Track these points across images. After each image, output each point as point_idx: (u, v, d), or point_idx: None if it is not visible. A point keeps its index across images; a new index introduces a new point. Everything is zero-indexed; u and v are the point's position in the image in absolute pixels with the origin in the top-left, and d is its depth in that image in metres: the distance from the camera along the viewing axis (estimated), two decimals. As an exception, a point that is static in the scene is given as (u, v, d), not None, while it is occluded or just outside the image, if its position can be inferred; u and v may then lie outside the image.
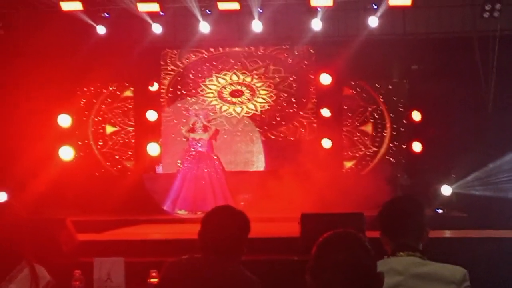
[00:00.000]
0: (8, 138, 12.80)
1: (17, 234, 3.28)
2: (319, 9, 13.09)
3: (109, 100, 14.69)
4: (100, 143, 14.65)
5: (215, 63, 14.72)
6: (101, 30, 13.44)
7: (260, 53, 14.73)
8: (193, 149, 13.28)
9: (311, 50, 14.55)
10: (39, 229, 6.74)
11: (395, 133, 14.25)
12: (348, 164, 14.36)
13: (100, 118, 14.70)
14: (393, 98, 14.27)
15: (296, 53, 14.63)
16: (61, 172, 13.57)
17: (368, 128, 14.36)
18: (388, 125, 14.29)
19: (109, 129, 14.70)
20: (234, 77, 14.68)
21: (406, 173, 13.89)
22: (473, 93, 13.12)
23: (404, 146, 14.11)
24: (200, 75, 14.70)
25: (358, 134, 14.37)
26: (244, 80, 14.65)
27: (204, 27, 13.42)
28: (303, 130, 14.45)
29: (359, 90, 14.39)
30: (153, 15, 13.36)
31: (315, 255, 2.11)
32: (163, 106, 14.70)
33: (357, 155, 14.35)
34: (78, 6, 12.81)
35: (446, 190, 12.50)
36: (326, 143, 14.05)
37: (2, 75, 13.04)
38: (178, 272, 3.30)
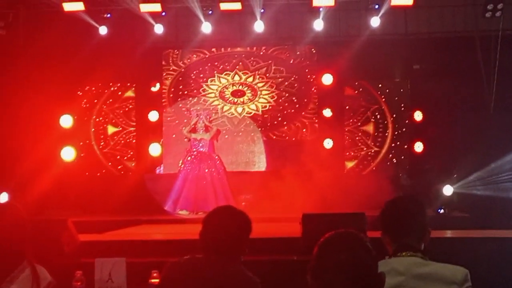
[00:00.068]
0: (9, 138, 12.80)
1: (18, 235, 3.28)
2: (320, 9, 13.09)
3: (111, 100, 14.70)
4: (102, 144, 14.66)
5: (216, 63, 14.72)
6: (103, 30, 13.45)
7: (262, 53, 14.73)
8: (194, 149, 13.29)
9: (313, 50, 14.56)
10: (41, 230, 6.74)
11: (396, 133, 14.24)
12: (350, 164, 14.35)
13: (101, 119, 14.71)
14: (394, 98, 14.27)
15: (298, 53, 14.63)
16: (63, 173, 13.58)
17: (370, 128, 14.36)
18: (389, 125, 14.28)
19: (111, 129, 14.70)
20: (236, 77, 14.68)
21: (407, 173, 13.89)
22: (475, 93, 13.11)
23: (405, 146, 14.10)
24: (201, 75, 14.71)
25: (359, 134, 14.36)
26: (246, 80, 14.65)
27: (206, 27, 13.42)
28: (304, 130, 14.44)
29: (360, 90, 14.39)
30: (155, 15, 13.37)
31: (317, 255, 2.11)
32: (164, 106, 14.70)
33: (359, 155, 14.35)
34: (80, 7, 12.81)
35: (447, 190, 12.49)
36: (328, 143, 14.05)
37: (4, 76, 13.04)
38: (179, 273, 3.30)
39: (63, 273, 4.45)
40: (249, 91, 14.63)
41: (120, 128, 14.69)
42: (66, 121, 14.07)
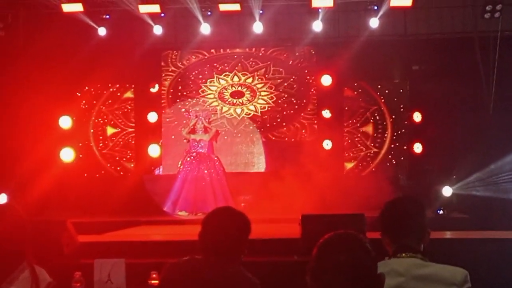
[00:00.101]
0: (9, 139, 12.80)
1: (17, 236, 3.28)
2: (320, 10, 13.09)
3: (110, 101, 14.69)
4: (101, 145, 14.65)
5: (216, 64, 14.72)
6: (102, 31, 13.46)
7: (260, 54, 14.73)
8: (193, 150, 13.28)
9: (312, 51, 14.55)
10: (40, 231, 6.72)
11: (396, 134, 14.24)
12: (349, 165, 14.35)
13: (100, 120, 14.70)
14: (394, 99, 14.27)
15: (297, 54, 14.63)
16: (62, 174, 13.59)
17: (369, 129, 14.36)
18: (389, 126, 14.28)
19: (110, 130, 14.70)
20: (235, 78, 14.68)
21: (406, 174, 13.90)
22: (474, 94, 13.11)
23: (405, 147, 14.10)
24: (200, 76, 14.71)
25: (359, 135, 14.36)
26: (245, 81, 14.65)
27: (205, 28, 13.42)
28: (303, 131, 14.44)
29: (360, 91, 14.40)
30: (154, 17, 13.38)
31: (316, 256, 2.10)
32: (163, 107, 14.69)
33: (358, 156, 14.35)
34: (79, 8, 12.82)
35: (447, 191, 12.49)
36: (327, 144, 14.05)
37: (3, 76, 13.04)
38: (178, 274, 3.30)
39: (63, 274, 4.45)
40: (248, 92, 14.63)
41: (119, 129, 14.69)
42: (65, 122, 14.07)
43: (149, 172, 14.48)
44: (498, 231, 8.85)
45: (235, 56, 14.74)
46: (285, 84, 14.57)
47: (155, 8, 13.00)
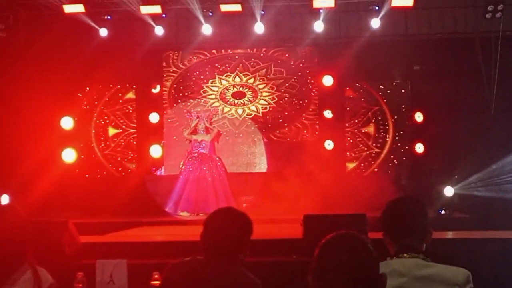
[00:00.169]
0: (10, 140, 12.80)
1: (19, 236, 3.28)
2: (321, 10, 13.09)
3: (111, 102, 14.69)
4: (102, 145, 14.65)
5: (217, 65, 14.72)
6: (103, 32, 13.46)
7: (262, 55, 14.72)
8: (195, 151, 13.29)
9: (313, 52, 14.54)
10: (41, 231, 6.74)
11: (397, 134, 14.23)
12: (351, 165, 14.34)
13: (102, 120, 14.70)
14: (395, 99, 14.26)
15: (298, 55, 14.62)
16: (64, 174, 13.60)
17: (371, 129, 14.35)
18: (390, 126, 14.27)
19: (112, 131, 14.70)
20: (237, 79, 14.68)
21: (407, 174, 13.89)
22: (475, 94, 13.11)
23: (406, 147, 14.09)
24: (202, 77, 14.70)
25: (360, 135, 14.36)
26: (247, 81, 14.64)
27: (206, 29, 13.42)
28: (305, 132, 14.44)
29: (361, 91, 14.39)
30: (155, 17, 13.38)
31: (318, 256, 2.10)
32: (165, 108, 14.69)
33: (360, 156, 14.34)
34: (80, 9, 12.81)
35: (448, 191, 12.49)
36: (329, 144, 14.04)
37: (4, 78, 13.05)
38: (180, 274, 3.30)
39: (64, 275, 4.45)
40: (249, 93, 14.62)
41: (121, 130, 14.69)
42: (67, 122, 14.08)
43: (151, 172, 14.48)
44: (499, 231, 8.86)
45: (237, 57, 14.74)
46: (287, 84, 14.57)
47: (157, 9, 12.99)
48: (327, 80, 14.16)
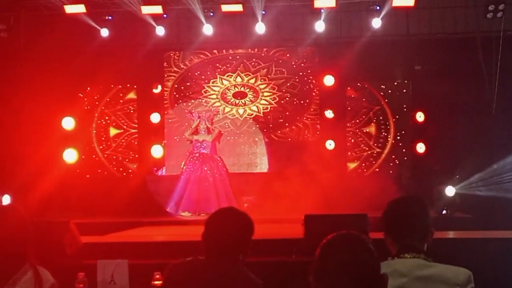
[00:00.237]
0: (12, 140, 12.82)
1: (20, 237, 3.28)
2: (322, 10, 13.09)
3: (113, 102, 14.70)
4: (104, 146, 14.66)
5: (218, 65, 14.72)
6: (104, 32, 13.47)
7: (263, 55, 14.72)
8: (196, 151, 13.29)
9: (314, 52, 14.54)
10: (43, 232, 6.75)
11: (398, 134, 14.23)
12: (352, 165, 14.34)
13: (103, 121, 14.71)
14: (396, 99, 14.26)
15: (300, 55, 14.62)
16: (65, 175, 13.61)
17: (372, 129, 14.36)
18: (391, 126, 14.27)
19: (113, 131, 14.70)
20: (238, 79, 14.68)
21: (409, 174, 13.89)
22: (476, 94, 13.11)
23: (408, 147, 14.09)
24: (203, 77, 14.71)
25: (361, 135, 14.36)
26: (248, 82, 14.64)
27: (207, 29, 13.42)
28: (306, 132, 14.44)
29: (362, 91, 14.39)
30: (156, 17, 13.38)
31: (319, 256, 2.10)
32: (166, 108, 14.69)
33: (361, 156, 14.34)
34: (81, 9, 12.82)
35: (450, 191, 12.47)
36: (330, 144, 14.04)
37: (6, 78, 13.07)
38: (181, 274, 3.29)
39: (66, 275, 4.46)
40: (251, 93, 14.62)
41: (122, 130, 14.69)
42: (68, 123, 14.08)
43: (152, 173, 14.48)
44: (501, 231, 8.85)
45: (238, 57, 14.74)
46: (288, 84, 14.57)
47: (158, 9, 13.00)
48: (328, 80, 14.16)
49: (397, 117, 14.24)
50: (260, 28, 13.32)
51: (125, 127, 14.69)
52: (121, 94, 14.72)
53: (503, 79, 12.92)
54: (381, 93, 14.31)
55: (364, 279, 2.04)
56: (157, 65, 14.65)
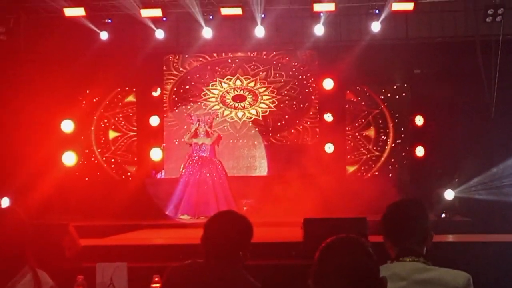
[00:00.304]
0: (11, 143, 12.82)
1: (19, 239, 3.27)
2: (321, 14, 13.10)
3: (112, 105, 14.70)
4: (103, 149, 14.65)
5: (217, 68, 14.73)
6: (103, 35, 13.47)
7: (262, 58, 14.73)
8: (195, 154, 13.29)
9: (313, 55, 14.55)
10: (42, 234, 6.73)
11: (398, 138, 14.24)
12: (351, 169, 14.35)
13: (102, 124, 14.71)
14: (396, 103, 14.27)
15: (299, 58, 14.63)
16: (64, 177, 13.60)
17: (371, 132, 14.36)
18: (391, 130, 14.28)
19: (112, 134, 14.71)
20: (238, 82, 14.69)
21: (407, 178, 13.89)
22: (475, 98, 13.12)
23: (407, 151, 14.09)
24: (202, 80, 14.72)
25: (361, 138, 14.36)
26: (247, 85, 14.65)
27: (207, 32, 13.43)
28: (305, 135, 14.44)
29: (362, 94, 14.40)
30: (155, 21, 13.39)
31: (318, 260, 2.10)
32: (165, 111, 14.70)
33: (360, 159, 14.34)
34: (80, 12, 12.83)
35: (449, 194, 12.48)
36: (329, 147, 14.05)
37: (5, 81, 13.07)
38: (180, 277, 3.29)
39: (65, 278, 4.45)
40: (250, 96, 14.63)
41: (121, 133, 14.70)
42: (67, 126, 14.07)
43: (151, 176, 14.48)
44: (500, 235, 8.85)
45: (237, 60, 14.75)
46: (287, 88, 14.58)
47: (157, 12, 13.00)
48: (328, 84, 14.17)
49: (396, 120, 14.25)
50: (259, 31, 13.32)
51: (124, 130, 14.69)
52: (120, 97, 14.72)
53: (502, 82, 12.93)
54: (381, 96, 14.32)
55: (363, 282, 2.04)
56: (157, 68, 14.67)
